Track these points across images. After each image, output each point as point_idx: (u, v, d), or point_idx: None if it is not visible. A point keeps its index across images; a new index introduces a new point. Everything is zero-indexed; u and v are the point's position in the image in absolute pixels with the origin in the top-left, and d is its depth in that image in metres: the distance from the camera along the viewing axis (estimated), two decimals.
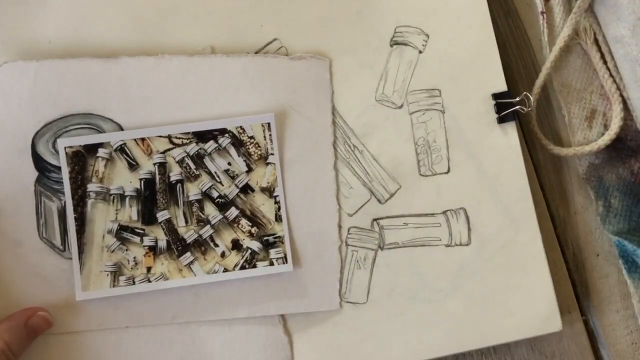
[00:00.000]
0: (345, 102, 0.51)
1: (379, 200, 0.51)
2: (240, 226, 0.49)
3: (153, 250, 0.48)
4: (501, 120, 0.52)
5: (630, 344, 0.54)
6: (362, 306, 0.50)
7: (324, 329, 0.49)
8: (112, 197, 0.48)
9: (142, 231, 0.48)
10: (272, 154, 0.49)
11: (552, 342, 0.53)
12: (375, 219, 0.51)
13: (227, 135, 0.49)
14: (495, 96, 0.52)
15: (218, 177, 0.49)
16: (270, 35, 0.51)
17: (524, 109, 0.52)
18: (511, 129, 0.52)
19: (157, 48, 0.50)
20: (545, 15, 0.54)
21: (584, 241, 0.55)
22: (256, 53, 0.51)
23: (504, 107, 0.52)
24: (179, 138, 0.49)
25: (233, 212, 0.49)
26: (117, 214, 0.48)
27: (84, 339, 0.48)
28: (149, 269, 0.48)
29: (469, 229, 0.51)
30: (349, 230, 0.51)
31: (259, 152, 0.49)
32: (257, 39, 0.51)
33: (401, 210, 0.51)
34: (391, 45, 0.52)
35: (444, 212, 0.51)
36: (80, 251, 0.48)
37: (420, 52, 0.52)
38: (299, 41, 0.51)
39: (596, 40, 0.54)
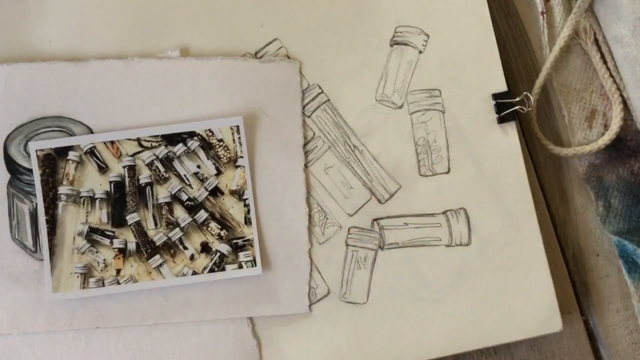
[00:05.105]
0: (345, 102, 0.51)
1: (379, 200, 0.51)
2: (209, 229, 0.49)
3: (122, 252, 0.49)
4: (501, 120, 0.52)
5: (631, 344, 0.54)
6: (362, 306, 0.50)
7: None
8: (82, 200, 0.49)
9: (112, 233, 0.49)
10: (242, 157, 0.49)
11: (552, 342, 0.53)
12: (375, 219, 0.51)
13: (196, 138, 0.49)
14: (495, 96, 0.52)
15: (187, 180, 0.49)
16: (270, 35, 0.51)
17: (524, 109, 0.52)
18: (511, 129, 0.52)
19: (157, 48, 0.50)
20: (545, 15, 0.54)
21: (584, 241, 0.55)
22: (256, 53, 0.51)
23: (504, 107, 0.52)
24: (148, 141, 0.49)
25: (202, 215, 0.49)
26: (87, 216, 0.49)
27: (54, 339, 0.48)
28: (118, 271, 0.49)
29: (469, 229, 0.51)
30: (349, 230, 0.51)
31: (228, 155, 0.49)
32: (257, 39, 0.51)
33: (401, 210, 0.51)
34: (391, 45, 0.52)
35: (444, 212, 0.51)
36: (52, 253, 0.48)
37: (420, 52, 0.52)
38: (299, 41, 0.51)
39: (596, 40, 0.54)
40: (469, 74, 0.52)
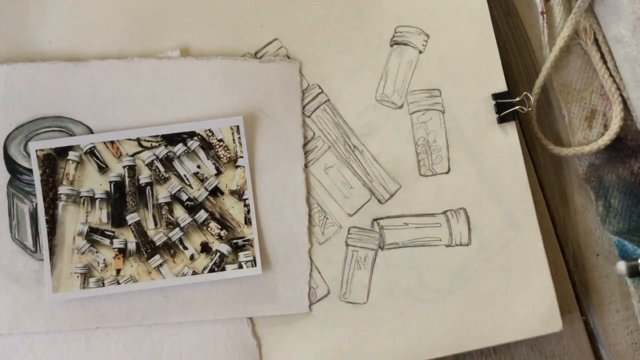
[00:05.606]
0: (346, 102, 0.51)
1: (379, 200, 0.51)
2: (209, 229, 0.49)
3: (122, 252, 0.49)
4: (501, 120, 0.52)
5: (631, 344, 0.54)
6: (362, 306, 0.50)
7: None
8: (82, 200, 0.49)
9: (112, 233, 0.49)
10: (242, 157, 0.50)
11: (552, 342, 0.53)
12: (375, 219, 0.51)
13: (196, 138, 0.49)
14: (495, 96, 0.52)
15: (187, 180, 0.49)
16: (270, 36, 0.51)
17: (524, 109, 0.52)
18: (511, 129, 0.52)
19: (157, 48, 0.50)
20: (545, 15, 0.54)
21: (584, 241, 0.55)
22: (256, 53, 0.51)
23: (504, 107, 0.52)
24: (148, 141, 0.49)
25: (202, 215, 0.49)
26: (87, 216, 0.49)
27: (54, 339, 0.48)
28: (118, 271, 0.49)
29: (469, 229, 0.51)
30: (349, 230, 0.51)
31: (228, 155, 0.49)
32: (257, 39, 0.51)
33: (401, 210, 0.51)
34: (391, 45, 0.52)
35: (444, 212, 0.51)
36: (52, 253, 0.48)
37: (420, 52, 0.52)
38: (298, 41, 0.51)
39: (596, 40, 0.54)
40: (469, 74, 0.52)
